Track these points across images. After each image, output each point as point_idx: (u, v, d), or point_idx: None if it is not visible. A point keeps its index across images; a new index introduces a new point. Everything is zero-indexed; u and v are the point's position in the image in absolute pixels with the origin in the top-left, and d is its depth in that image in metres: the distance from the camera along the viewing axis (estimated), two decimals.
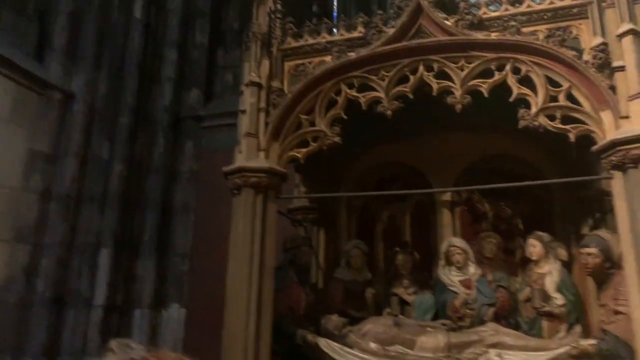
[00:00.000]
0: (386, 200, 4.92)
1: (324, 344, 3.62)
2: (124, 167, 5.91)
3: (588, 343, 3.17)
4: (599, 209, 3.95)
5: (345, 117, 3.58)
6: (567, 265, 4.09)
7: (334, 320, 3.83)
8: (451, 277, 4.12)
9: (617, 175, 2.91)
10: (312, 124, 3.62)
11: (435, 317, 4.02)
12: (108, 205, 5.76)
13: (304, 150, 3.62)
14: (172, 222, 6.05)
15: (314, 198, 4.75)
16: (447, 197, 4.68)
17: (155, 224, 5.92)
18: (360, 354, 3.54)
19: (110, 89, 6.20)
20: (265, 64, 3.79)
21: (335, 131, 3.56)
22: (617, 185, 2.90)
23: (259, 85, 3.72)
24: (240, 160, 3.57)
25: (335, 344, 3.63)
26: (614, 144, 2.84)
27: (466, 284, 4.05)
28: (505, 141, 4.43)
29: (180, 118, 6.48)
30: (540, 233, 4.02)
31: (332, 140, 3.55)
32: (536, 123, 3.10)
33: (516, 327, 3.88)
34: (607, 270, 3.31)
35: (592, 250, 3.33)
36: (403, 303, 4.32)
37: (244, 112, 3.72)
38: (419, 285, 4.36)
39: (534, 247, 4.01)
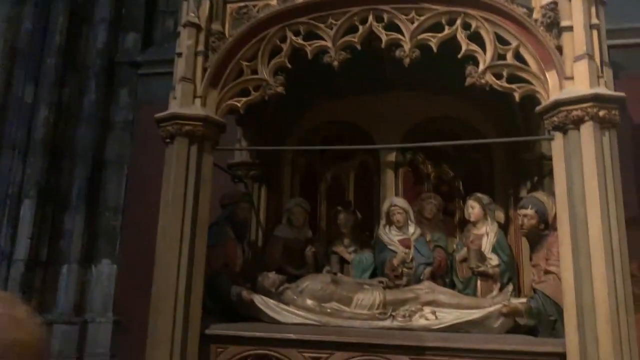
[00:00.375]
0: (330, 160, 4.82)
1: (260, 300, 3.52)
2: (50, 113, 5.42)
3: (518, 301, 3.24)
4: (538, 172, 4.01)
5: (289, 66, 3.37)
6: (504, 227, 4.18)
7: (271, 278, 3.73)
8: (391, 236, 4.10)
9: (558, 136, 2.90)
10: (254, 71, 3.39)
11: (374, 276, 4.02)
12: (32, 153, 5.30)
13: (244, 99, 3.40)
14: (104, 175, 5.67)
15: (257, 154, 4.57)
16: (391, 157, 4.63)
17: (85, 176, 5.52)
18: (296, 311, 3.47)
19: (35, 26, 5.63)
20: (205, 4, 3.49)
21: (278, 81, 3.35)
22: (557, 146, 2.90)
23: (197, 27, 3.43)
24: (174, 106, 3.31)
25: (271, 300, 3.53)
26: (557, 105, 2.82)
27: (405, 243, 4.05)
28: (450, 103, 4.40)
29: (115, 63, 6.00)
30: (480, 195, 4.06)
31: (275, 91, 3.35)
32: (483, 81, 3.03)
33: (452, 286, 3.94)
34: (541, 231, 3.37)
35: (528, 211, 3.37)
36: (343, 262, 4.28)
37: (180, 55, 3.43)
38: (360, 244, 4.34)
39: (472, 208, 4.04)
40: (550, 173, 3.90)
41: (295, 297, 3.58)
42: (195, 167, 3.28)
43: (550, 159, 3.92)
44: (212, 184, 3.37)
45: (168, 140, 3.30)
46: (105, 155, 5.78)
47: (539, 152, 4.04)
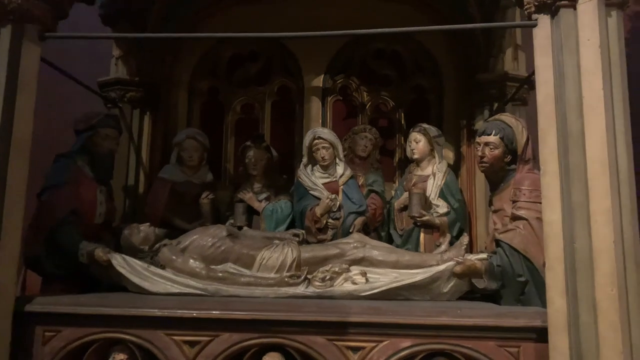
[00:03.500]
0: (241, 84, 3.77)
1: (120, 262, 2.47)
2: None
3: (476, 258, 2.40)
4: (498, 96, 3.18)
5: None
6: (454, 168, 3.34)
7: (142, 231, 2.68)
8: (314, 178, 3.16)
9: (543, 21, 2.02)
10: None
11: None
12: None
13: None
14: None
15: (138, 70, 3.43)
16: (317, 82, 3.65)
17: None
18: (174, 276, 2.46)
19: None
20: None
21: None
22: (542, 35, 2.02)
23: None
24: None
25: (138, 262, 2.50)
26: None
27: (332, 187, 3.12)
28: (396, 11, 3.44)
29: None
30: (426, 125, 3.19)
31: None
32: None
33: (389, 241, 3.10)
34: (507, 165, 2.53)
35: (492, 138, 2.51)
36: (252, 213, 3.28)
37: None
38: (274, 190, 3.35)
39: (417, 142, 3.17)
40: (515, 97, 3.14)
41: (174, 258, 2.56)
42: (7, 60, 2.13)
43: (514, 79, 3.16)
44: (36, 88, 2.23)
45: None
46: None
47: (500, 71, 3.21)
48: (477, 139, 2.59)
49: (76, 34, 2.69)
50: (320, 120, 3.59)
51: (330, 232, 3.04)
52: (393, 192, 3.35)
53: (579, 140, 1.86)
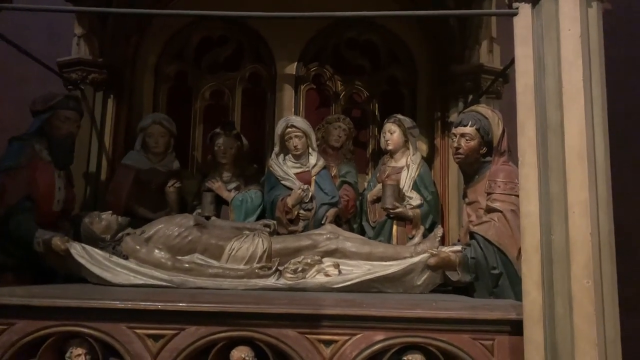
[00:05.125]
0: (210, 70, 3.63)
1: (79, 251, 2.33)
2: None
3: (451, 250, 2.36)
4: (473, 88, 3.16)
5: None
6: (428, 161, 3.31)
7: (104, 219, 2.54)
8: (285, 168, 3.08)
9: (524, 9, 1.99)
10: None
11: None
12: None
13: None
14: None
15: (101, 51, 3.25)
16: (290, 70, 3.56)
17: None
18: (136, 267, 2.33)
19: None
20: None
21: None
22: (522, 24, 1.98)
23: None
24: None
25: (99, 251, 2.36)
26: None
27: (304, 177, 3.05)
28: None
29: None
30: (401, 117, 3.15)
31: None
32: None
33: (361, 233, 3.04)
34: (482, 157, 2.50)
35: (468, 129, 2.48)
36: (221, 202, 3.16)
37: None
38: (244, 180, 3.25)
39: (391, 133, 3.12)
40: (489, 90, 3.13)
41: (138, 247, 2.43)
42: None
43: (489, 71, 3.15)
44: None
45: None
46: None
47: (475, 63, 3.19)
48: (453, 130, 2.56)
49: (35, 5, 2.50)
50: (293, 109, 3.50)
51: (301, 224, 2.96)
52: (366, 184, 3.30)
53: (557, 131, 1.84)
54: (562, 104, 1.84)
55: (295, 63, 3.54)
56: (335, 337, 1.94)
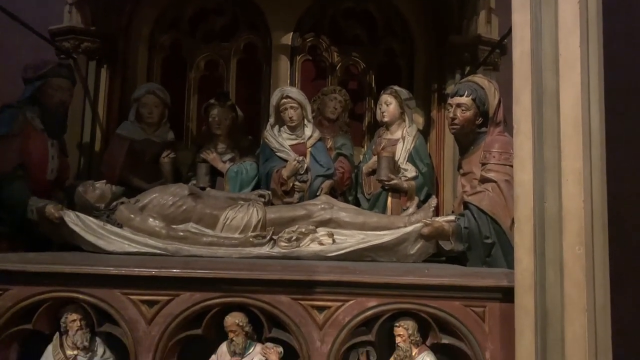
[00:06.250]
0: (205, 40, 3.57)
1: (74, 219, 2.33)
2: None
3: (444, 219, 2.37)
4: (471, 60, 3.12)
5: None
6: (424, 133, 3.30)
7: (98, 188, 2.53)
8: (281, 140, 3.06)
9: None
10: None
11: None
12: None
13: None
14: None
15: (93, 19, 3.19)
16: (286, 40, 3.51)
17: None
18: (130, 235, 2.33)
19: None
20: None
21: None
22: None
23: None
24: None
25: (93, 219, 2.35)
26: None
27: (299, 149, 3.03)
28: None
29: None
30: (398, 88, 3.11)
31: None
32: None
33: (356, 205, 3.03)
34: (478, 127, 2.49)
35: (464, 99, 2.46)
36: (216, 174, 3.15)
37: None
38: (239, 151, 3.23)
39: (387, 105, 3.10)
40: (486, 62, 3.10)
41: (132, 216, 2.43)
42: None
43: (487, 42, 3.11)
44: None
45: None
46: None
47: (472, 34, 3.15)
48: (449, 100, 2.54)
49: None
50: (289, 81, 3.47)
51: (296, 195, 2.95)
52: (361, 157, 3.29)
53: (553, 98, 1.82)
54: (558, 72, 1.82)
55: (291, 33, 3.49)
56: (329, 303, 1.96)
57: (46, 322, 2.07)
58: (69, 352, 2.02)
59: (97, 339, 2.06)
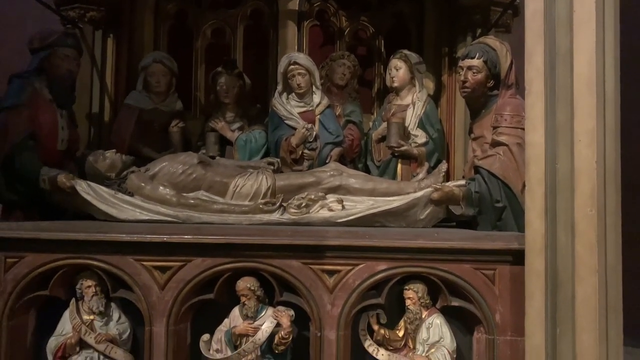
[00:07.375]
0: (211, 7, 3.52)
1: (85, 188, 2.35)
2: None
3: (455, 184, 2.36)
4: (482, 22, 3.05)
5: None
6: (435, 98, 3.25)
7: (108, 157, 2.54)
8: (289, 107, 3.03)
9: None
10: None
11: None
12: None
13: None
14: None
15: None
16: (293, 5, 3.43)
17: None
18: (141, 203, 2.36)
19: None
20: None
21: None
22: None
23: None
24: None
25: (104, 188, 2.38)
26: None
27: (308, 117, 3.00)
28: None
29: None
30: (407, 52, 3.06)
31: None
32: None
33: (366, 172, 3.01)
34: (489, 90, 2.44)
35: (475, 62, 2.41)
36: (225, 143, 3.15)
37: None
38: (248, 120, 3.21)
39: (397, 69, 3.06)
40: (498, 24, 3.02)
41: (143, 185, 2.44)
42: None
43: (499, 3, 3.03)
44: None
45: None
46: None
47: None
48: (460, 63, 2.49)
49: None
50: (296, 47, 3.40)
51: (306, 163, 2.94)
52: (371, 124, 3.26)
53: (566, 57, 1.78)
54: (572, 30, 1.78)
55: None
56: (339, 267, 1.98)
57: (62, 288, 2.12)
58: (86, 317, 2.07)
59: (112, 304, 2.11)
